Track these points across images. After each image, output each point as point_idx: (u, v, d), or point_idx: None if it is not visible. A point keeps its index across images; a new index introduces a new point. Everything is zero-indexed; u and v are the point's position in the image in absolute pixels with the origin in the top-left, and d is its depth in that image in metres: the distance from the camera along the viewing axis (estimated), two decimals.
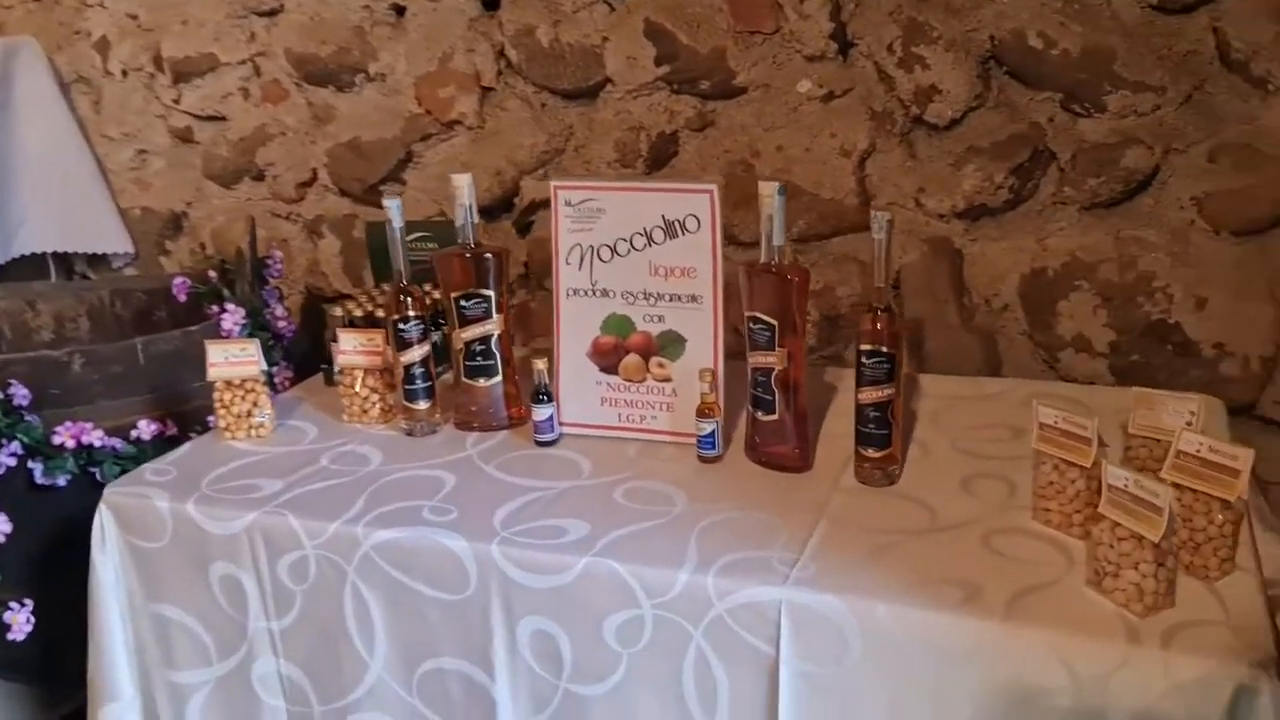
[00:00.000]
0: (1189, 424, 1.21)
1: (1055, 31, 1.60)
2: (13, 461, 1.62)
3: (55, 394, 1.71)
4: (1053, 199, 1.69)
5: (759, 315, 1.39)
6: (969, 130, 1.70)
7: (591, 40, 1.88)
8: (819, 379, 1.70)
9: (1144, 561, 1.05)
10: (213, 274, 2.04)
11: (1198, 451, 1.12)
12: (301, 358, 2.12)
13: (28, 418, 1.67)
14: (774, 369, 1.39)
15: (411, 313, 1.56)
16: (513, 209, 2.07)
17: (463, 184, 1.52)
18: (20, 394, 1.66)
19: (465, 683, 1.33)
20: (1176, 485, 1.11)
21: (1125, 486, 1.07)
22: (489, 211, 2.06)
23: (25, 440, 1.66)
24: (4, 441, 1.63)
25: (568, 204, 1.53)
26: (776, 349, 1.38)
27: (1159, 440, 1.26)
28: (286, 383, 1.95)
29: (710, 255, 1.46)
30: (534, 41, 1.92)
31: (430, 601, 1.31)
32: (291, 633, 1.41)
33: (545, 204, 2.03)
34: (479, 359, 1.58)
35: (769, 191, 1.33)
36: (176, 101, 2.29)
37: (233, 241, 2.34)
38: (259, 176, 2.29)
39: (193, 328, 1.85)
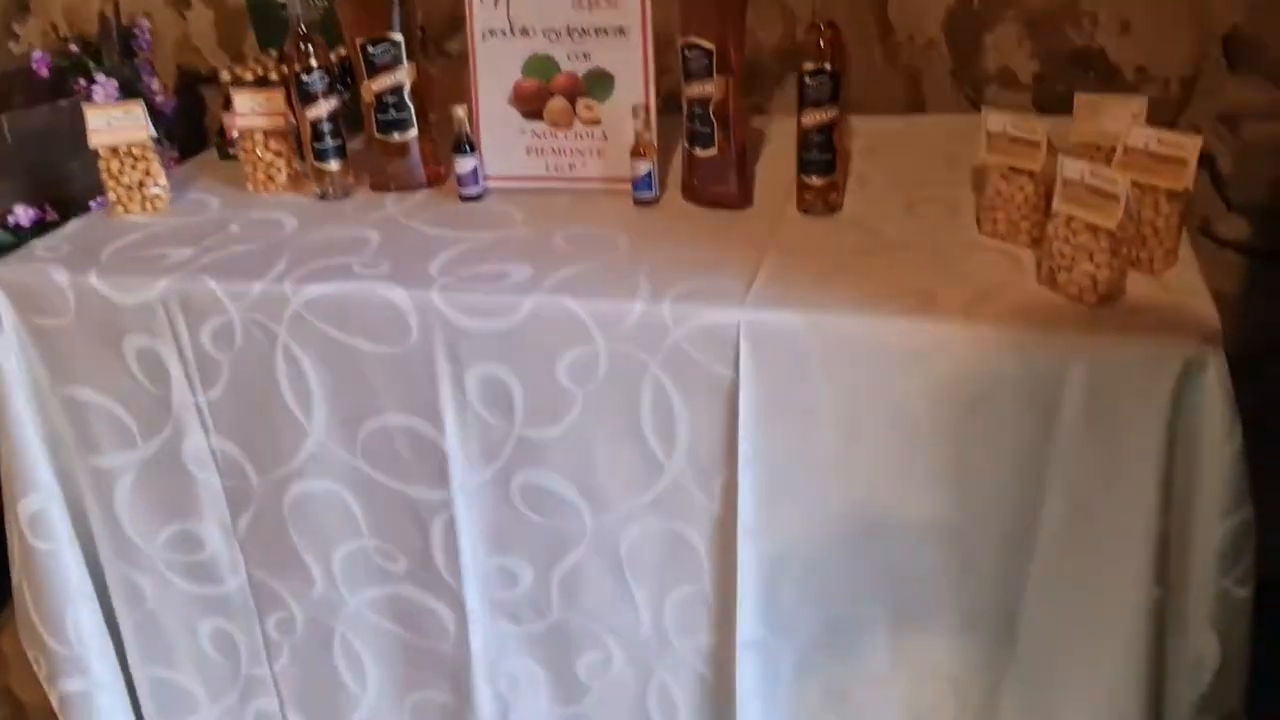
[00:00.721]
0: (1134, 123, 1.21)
1: None
2: None
3: None
4: None
5: (695, 41, 1.31)
6: None
7: None
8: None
9: (1099, 251, 1.06)
10: (74, 47, 1.84)
11: (1146, 145, 1.12)
12: (183, 141, 1.96)
13: None
14: (712, 99, 1.33)
15: (315, 63, 1.43)
16: None
17: None
18: None
19: (412, 438, 1.29)
20: None
21: (1081, 178, 1.07)
22: None
23: None
24: None
25: None
26: (715, 77, 1.31)
27: (1100, 147, 1.25)
28: (172, 163, 1.80)
29: None
30: None
31: (369, 357, 1.26)
32: (221, 405, 1.34)
33: None
34: (392, 112, 1.47)
35: None
36: None
37: (90, 20, 2.11)
38: None
39: (60, 102, 1.68)
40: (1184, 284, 1.12)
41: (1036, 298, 1.11)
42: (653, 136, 1.40)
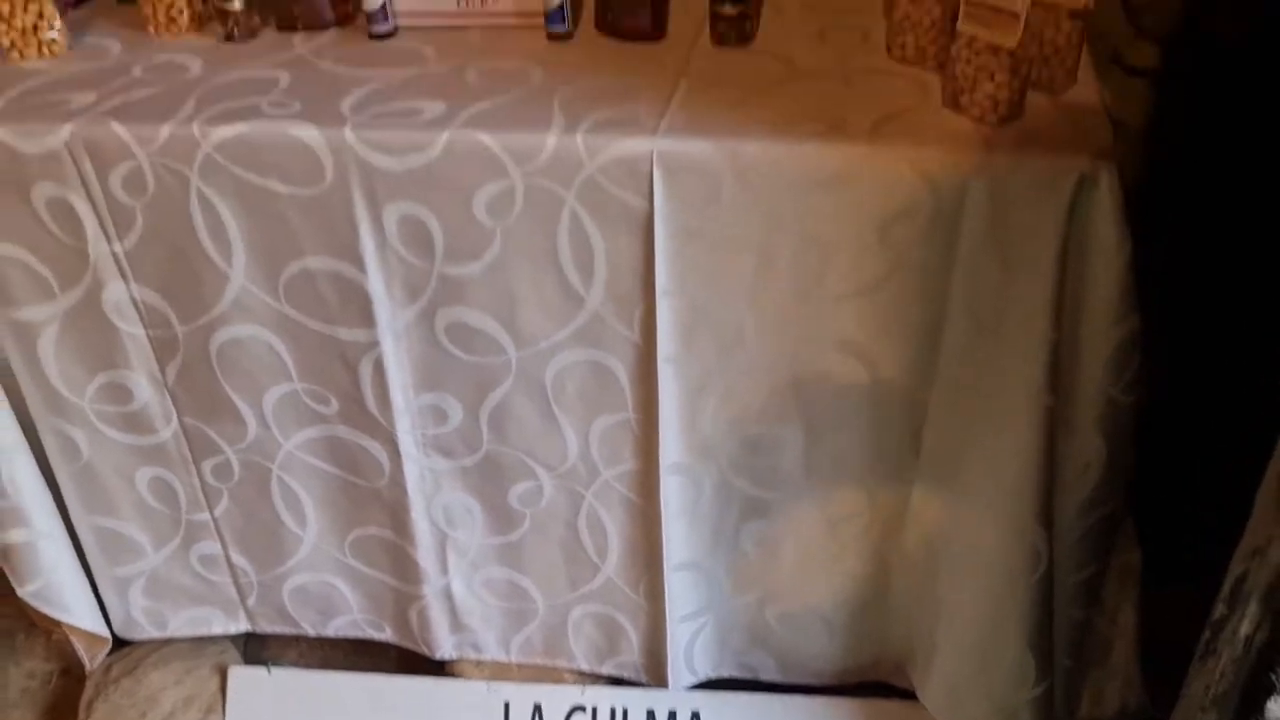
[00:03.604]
0: None
1: None
2: None
3: None
4: None
5: None
6: None
7: None
8: None
9: (999, 71, 1.09)
10: None
11: None
12: None
13: None
14: None
15: None
16: None
17: None
18: None
19: (335, 280, 1.30)
20: None
21: None
22: None
23: None
24: None
25: None
26: None
27: None
28: (67, 7, 1.72)
29: None
30: None
31: (286, 200, 1.25)
32: (138, 253, 1.33)
33: None
34: None
35: None
36: None
37: None
38: None
39: None
40: (1082, 103, 1.16)
41: (941, 120, 1.14)
42: None
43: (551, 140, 1.17)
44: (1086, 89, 1.18)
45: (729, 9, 1.32)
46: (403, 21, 1.45)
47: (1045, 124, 1.12)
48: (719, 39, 1.35)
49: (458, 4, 1.45)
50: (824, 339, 1.23)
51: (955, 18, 1.13)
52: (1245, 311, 1.50)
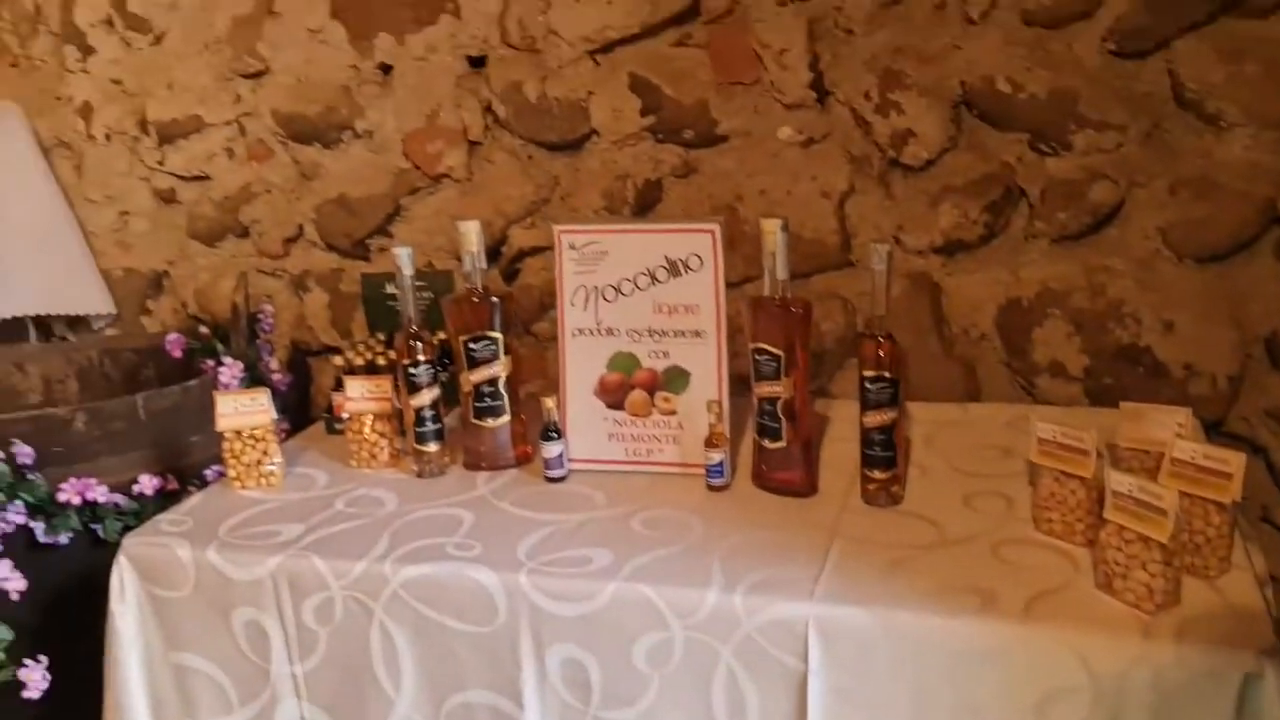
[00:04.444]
0: (1179, 434, 1.30)
1: (1022, 76, 1.71)
2: (21, 519, 1.61)
3: (58, 452, 1.71)
4: (1024, 233, 1.79)
5: (765, 347, 1.45)
6: (943, 170, 1.80)
7: (578, 94, 1.96)
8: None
9: (1152, 562, 1.12)
10: (204, 329, 2.06)
11: (1192, 458, 1.20)
12: (292, 410, 2.14)
13: (30, 476, 1.67)
14: (780, 398, 1.45)
15: (422, 357, 1.60)
16: (500, 257, 2.12)
17: (471, 231, 1.57)
18: (24, 453, 1.66)
19: (494, 715, 1.35)
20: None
21: (1130, 492, 1.14)
22: None
23: (29, 500, 1.65)
24: (9, 502, 1.62)
25: (571, 248, 1.59)
26: (783, 379, 1.44)
27: (1148, 451, 1.33)
28: (283, 434, 1.96)
29: (713, 291, 1.53)
30: (521, 97, 1.99)
31: (458, 635, 1.34)
32: (315, 675, 1.42)
33: (532, 251, 2.11)
34: (487, 400, 1.62)
35: (772, 228, 1.40)
36: (161, 163, 2.32)
37: (216, 299, 2.36)
38: (243, 234, 2.32)
39: (190, 383, 1.86)
40: (1239, 592, 1.17)
41: (1095, 601, 1.17)
42: (725, 428, 1.52)
43: (711, 597, 1.24)
44: (1243, 574, 1.20)
45: (878, 474, 1.42)
46: (575, 467, 1.60)
47: (1204, 612, 1.13)
48: (869, 499, 1.44)
49: (626, 453, 1.60)
50: None
51: (1103, 498, 1.19)
52: None
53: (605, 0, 1.88)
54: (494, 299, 1.59)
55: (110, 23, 2.26)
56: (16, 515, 1.61)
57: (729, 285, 1.88)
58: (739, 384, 1.56)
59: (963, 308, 1.86)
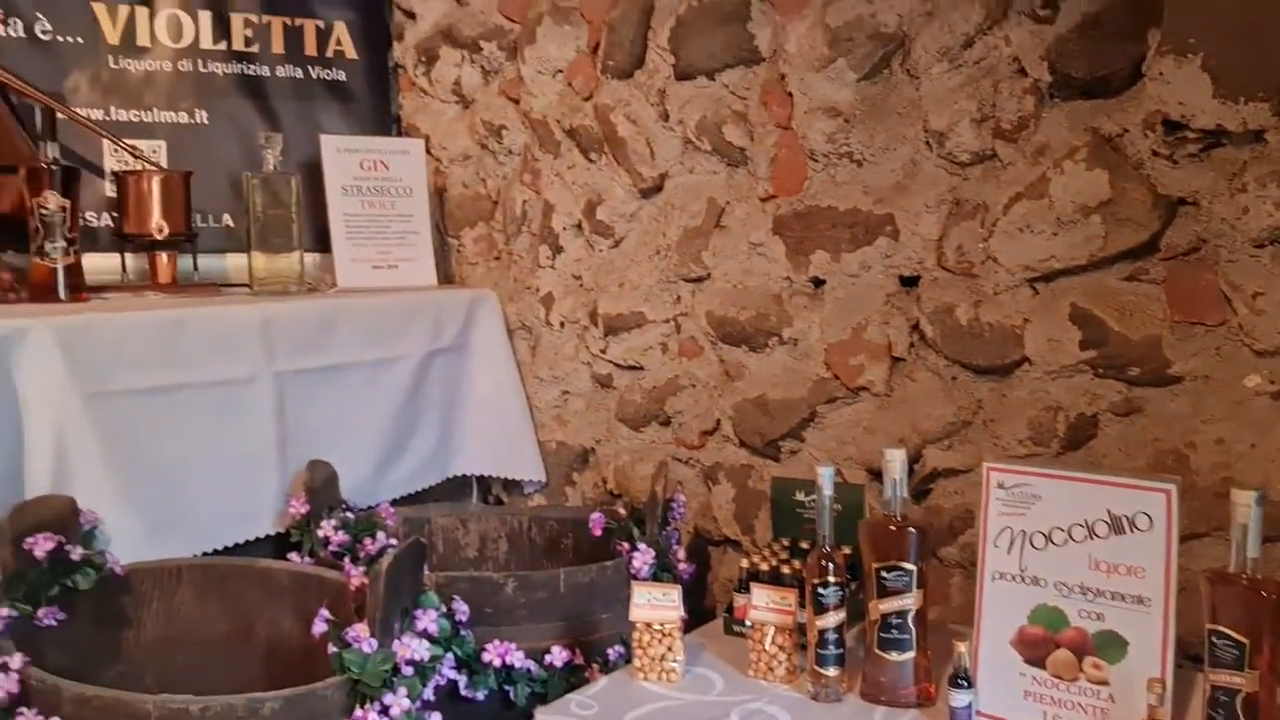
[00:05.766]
0: None
1: None
2: (453, 674, 1.77)
3: (488, 613, 1.87)
4: None
5: (1224, 630, 1.28)
6: None
7: (1012, 321, 1.92)
8: None
9: None
10: (623, 510, 2.20)
11: None
12: (689, 596, 2.19)
13: (463, 633, 1.84)
14: (1241, 691, 1.27)
15: (832, 579, 1.59)
16: (912, 474, 2.08)
17: (896, 459, 1.56)
18: (462, 610, 1.84)
19: None
20: None
21: None
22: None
23: (459, 654, 1.81)
24: (444, 655, 1.79)
25: (1000, 486, 1.53)
26: (1245, 670, 1.26)
27: None
28: (683, 622, 2.01)
29: (1164, 558, 1.39)
30: (952, 319, 1.98)
31: None
32: None
33: (946, 473, 2.05)
34: (894, 631, 1.56)
35: (1245, 500, 1.26)
36: (603, 352, 2.55)
37: (634, 479, 2.52)
38: (665, 422, 2.47)
39: (607, 564, 1.98)
40: None
41: None
42: (1167, 712, 1.35)
43: None
44: None
45: None
46: None
47: None
48: None
49: (1044, 716, 1.47)
50: None
51: None
52: None
53: (1052, 231, 1.84)
54: (912, 530, 1.56)
55: (580, 227, 2.57)
56: (449, 670, 1.77)
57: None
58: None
59: None
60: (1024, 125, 1.88)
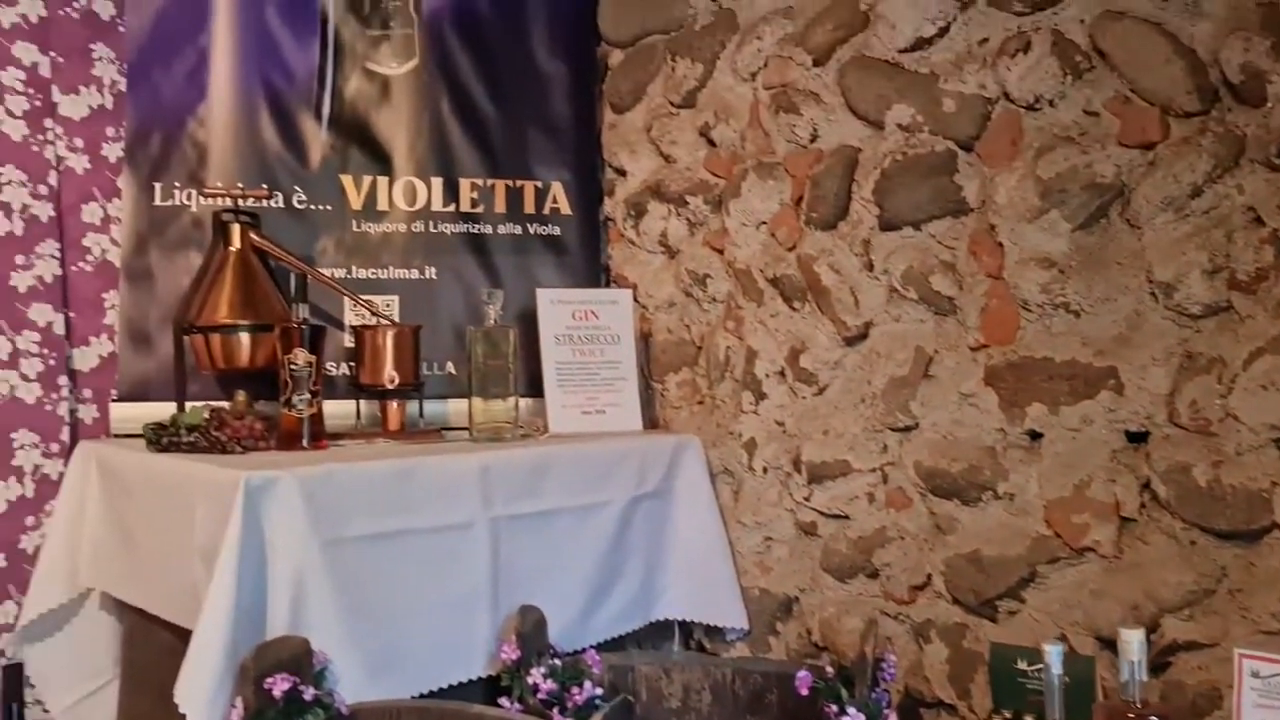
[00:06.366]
0: None
1: None
2: None
3: None
4: None
5: None
6: None
7: (1259, 484, 1.78)
8: None
9: None
10: (830, 669, 2.13)
11: None
12: None
13: None
14: None
15: None
16: (1149, 646, 1.93)
17: (1133, 640, 1.46)
18: None
19: None
20: None
21: None
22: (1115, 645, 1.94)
23: None
24: None
25: (1254, 675, 1.40)
26: None
27: None
28: None
29: None
30: (1188, 479, 1.86)
31: None
32: None
33: (1186, 646, 1.89)
34: None
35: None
36: (807, 499, 2.53)
37: (840, 633, 2.45)
38: (873, 574, 2.41)
39: None
40: None
41: None
42: None
43: None
44: None
45: None
46: None
47: None
48: None
49: None
50: None
51: None
52: None
53: None
54: (1154, 718, 1.44)
55: (783, 374, 2.59)
56: None
57: None
58: None
59: None
60: (1263, 276, 1.78)
